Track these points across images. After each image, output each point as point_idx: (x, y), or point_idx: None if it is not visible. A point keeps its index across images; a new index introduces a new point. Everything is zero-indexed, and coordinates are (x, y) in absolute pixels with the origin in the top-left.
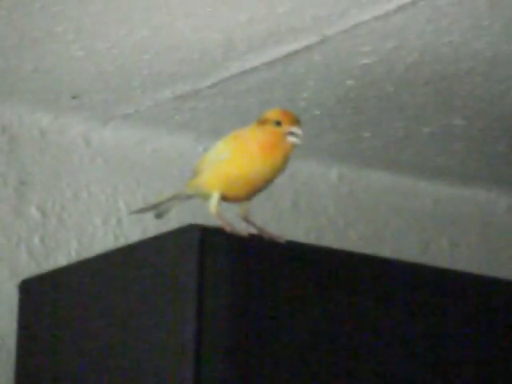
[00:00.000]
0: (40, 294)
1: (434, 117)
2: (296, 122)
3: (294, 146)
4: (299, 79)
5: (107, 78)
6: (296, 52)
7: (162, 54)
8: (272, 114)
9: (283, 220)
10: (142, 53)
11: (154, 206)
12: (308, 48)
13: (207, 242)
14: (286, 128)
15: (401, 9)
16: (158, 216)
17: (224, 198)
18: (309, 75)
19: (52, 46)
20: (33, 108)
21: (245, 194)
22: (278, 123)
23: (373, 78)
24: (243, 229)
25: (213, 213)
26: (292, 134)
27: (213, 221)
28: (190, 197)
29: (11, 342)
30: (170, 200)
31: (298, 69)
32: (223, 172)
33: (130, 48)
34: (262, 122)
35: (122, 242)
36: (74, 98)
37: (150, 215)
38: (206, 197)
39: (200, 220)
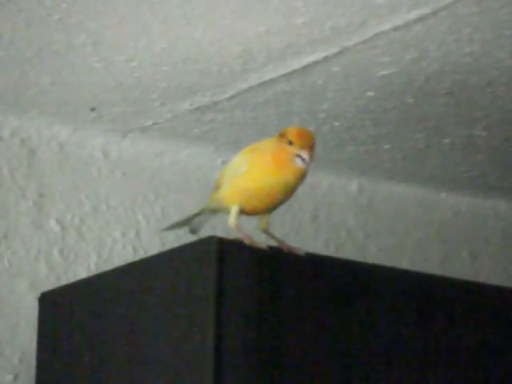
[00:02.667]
0: (60, 307)
1: (455, 128)
2: (307, 146)
3: (299, 169)
4: (318, 91)
5: (126, 90)
6: (315, 63)
7: (181, 66)
8: (289, 131)
9: (303, 232)
10: (161, 65)
11: (184, 222)
12: (327, 59)
13: (226, 255)
14: (296, 150)
15: (421, 19)
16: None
17: (243, 212)
18: (328, 87)
19: (70, 59)
20: (51, 121)
21: (263, 207)
22: (290, 143)
23: (393, 89)
24: (262, 241)
25: (232, 226)
26: (299, 156)
27: (232, 233)
28: (215, 210)
29: (31, 355)
30: (198, 215)
31: (316, 80)
32: (241, 185)
33: (149, 60)
34: (281, 136)
35: (141, 254)
36: (92, 109)
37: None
38: (226, 210)
39: (219, 232)
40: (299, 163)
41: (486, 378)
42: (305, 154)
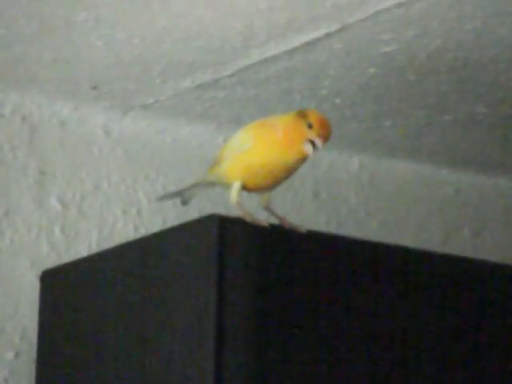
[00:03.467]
0: (61, 285)
1: (456, 105)
2: (324, 135)
3: (306, 154)
4: (320, 68)
5: (127, 67)
6: (316, 40)
7: (182, 44)
8: (312, 114)
9: (304, 209)
10: (162, 42)
11: (177, 193)
12: (328, 36)
13: (227, 232)
14: (313, 135)
15: None
16: (184, 202)
17: (245, 188)
18: (329, 64)
19: (71, 36)
20: (53, 98)
21: (266, 184)
22: (310, 126)
23: (394, 66)
24: (264, 218)
25: (233, 202)
26: (312, 143)
27: (233, 211)
28: (212, 184)
29: (33, 333)
30: (193, 187)
31: (318, 57)
32: (245, 161)
33: (150, 37)
34: (300, 115)
35: (142, 232)
36: (94, 88)
37: (169, 205)
38: (226, 186)
39: (220, 210)
40: (309, 149)
41: (486, 355)
42: (319, 143)
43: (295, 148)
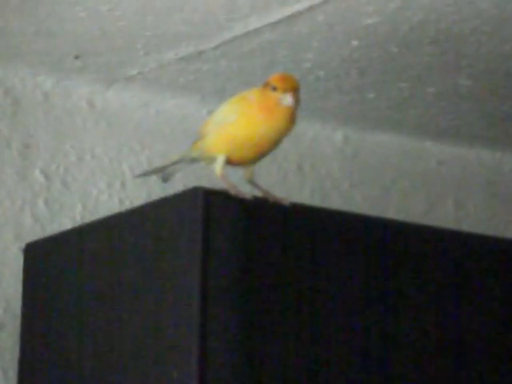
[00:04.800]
0: (44, 258)
1: (439, 77)
2: (290, 88)
3: (289, 109)
4: (303, 40)
5: (110, 39)
6: (299, 13)
7: (166, 16)
8: (271, 78)
9: (288, 182)
10: (145, 14)
11: (159, 169)
12: (311, 8)
13: (212, 205)
14: (279, 94)
15: None
16: (165, 179)
17: (229, 161)
18: (313, 36)
19: (54, 8)
20: (36, 70)
21: (250, 157)
22: (274, 88)
23: (377, 38)
24: (248, 191)
25: (218, 175)
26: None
27: (217, 184)
28: (195, 159)
29: (16, 305)
30: (175, 163)
31: (301, 30)
32: (230, 134)
33: (133, 9)
34: (265, 85)
35: (126, 205)
36: (76, 57)
37: (154, 178)
38: (211, 160)
39: (205, 183)
40: (286, 102)
41: (468, 326)
42: (289, 96)
43: (275, 114)
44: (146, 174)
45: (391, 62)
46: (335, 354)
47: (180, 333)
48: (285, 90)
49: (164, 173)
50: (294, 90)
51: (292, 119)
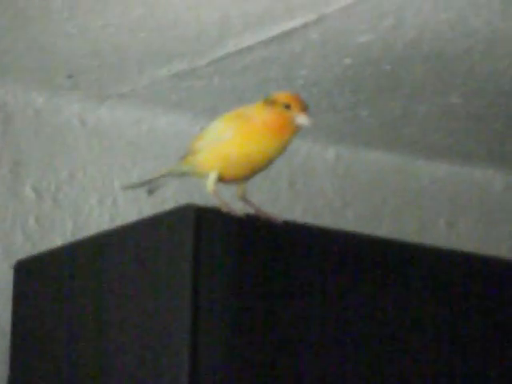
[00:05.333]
0: (35, 275)
1: (432, 95)
2: (305, 108)
3: (300, 128)
4: (296, 58)
5: (103, 56)
6: (293, 30)
7: (158, 32)
8: (282, 96)
9: (280, 200)
10: (138, 31)
11: (146, 182)
12: (305, 26)
13: (203, 222)
14: (295, 113)
15: None
16: (150, 192)
17: (222, 178)
18: (306, 54)
19: (46, 24)
20: (27, 87)
21: (244, 175)
22: (288, 106)
23: (370, 56)
24: (240, 209)
25: (210, 192)
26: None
27: (209, 201)
28: (184, 174)
29: (6, 323)
30: (163, 176)
31: (295, 47)
32: (224, 152)
33: (126, 26)
34: (270, 102)
35: (117, 222)
36: (69, 77)
37: (145, 195)
38: (202, 175)
39: (196, 200)
40: (303, 122)
41: (461, 344)
42: (305, 117)
43: (287, 132)
44: (133, 186)
45: (384, 80)
46: (326, 370)
47: (171, 350)
48: (301, 110)
49: (150, 186)
50: (308, 109)
51: (289, 137)
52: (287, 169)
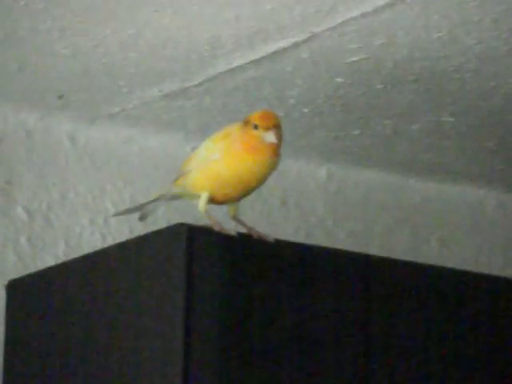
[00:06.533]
0: (27, 295)
1: (423, 114)
2: (272, 126)
3: (272, 146)
4: (287, 77)
5: (93, 76)
6: (284, 50)
7: (149, 53)
8: (252, 116)
9: (272, 218)
10: (129, 51)
11: (138, 208)
12: (296, 45)
13: (195, 241)
14: (262, 132)
15: (389, 5)
16: (142, 218)
17: (213, 200)
18: (297, 73)
19: (37, 45)
20: (18, 108)
21: (235, 195)
22: (256, 126)
23: (361, 75)
24: (232, 228)
25: (202, 211)
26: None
27: (202, 221)
28: (175, 197)
29: None
30: (155, 201)
31: (285, 67)
32: (214, 172)
33: (116, 46)
34: (245, 123)
35: (109, 241)
36: (59, 97)
37: (136, 215)
38: (194, 197)
39: (188, 219)
40: (269, 140)
41: (454, 362)
42: (271, 134)
43: (259, 152)
44: (124, 213)
45: (375, 99)
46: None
47: (163, 367)
48: (267, 129)
49: (142, 211)
50: (276, 126)
51: (276, 155)
52: (279, 187)
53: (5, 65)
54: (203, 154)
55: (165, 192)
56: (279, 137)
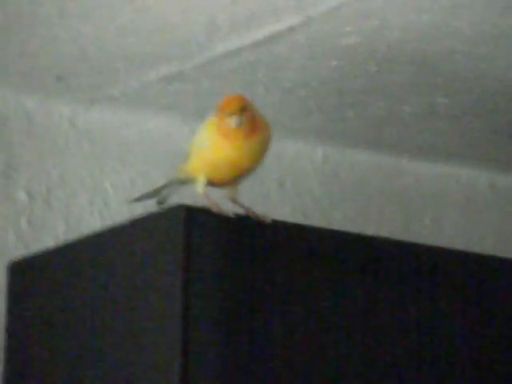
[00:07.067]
0: (28, 276)
1: (417, 95)
2: (234, 110)
3: (240, 130)
4: (283, 60)
5: (92, 60)
6: (279, 33)
7: (147, 36)
8: (219, 103)
9: (269, 200)
10: (127, 35)
11: (152, 194)
12: (291, 29)
13: (194, 222)
14: (225, 119)
15: None
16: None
17: (211, 183)
18: (292, 56)
19: (36, 29)
20: (18, 91)
21: (230, 179)
22: (223, 113)
23: (356, 58)
24: (230, 209)
25: (200, 194)
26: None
27: (200, 202)
28: (183, 182)
29: (0, 323)
30: (166, 186)
31: (281, 50)
32: (206, 159)
33: (115, 30)
34: (216, 110)
35: (108, 223)
36: (58, 79)
37: (135, 194)
38: (194, 182)
39: (187, 201)
40: (232, 125)
41: (443, 339)
42: (234, 119)
43: (232, 137)
44: (139, 199)
45: (370, 81)
46: (316, 371)
47: (162, 348)
48: (230, 114)
49: (158, 197)
50: (238, 111)
51: (254, 136)
52: (276, 169)
53: (5, 48)
54: (197, 140)
55: (172, 177)
56: (244, 120)
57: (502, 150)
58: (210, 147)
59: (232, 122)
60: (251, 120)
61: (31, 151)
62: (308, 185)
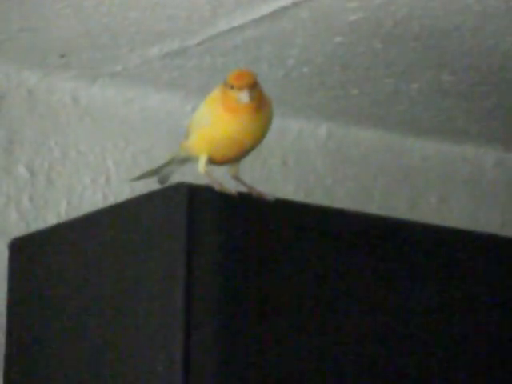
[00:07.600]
0: (30, 254)
1: (423, 73)
2: (246, 85)
3: (250, 105)
4: (287, 36)
5: (94, 36)
6: (284, 9)
7: (150, 12)
8: (228, 77)
9: (272, 178)
10: (130, 10)
11: (154, 172)
12: (296, 5)
13: (196, 200)
14: (236, 92)
15: None
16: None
17: (213, 161)
18: (297, 32)
19: (39, 5)
20: (20, 67)
21: (233, 156)
22: (232, 87)
23: (361, 34)
24: (233, 187)
25: (202, 172)
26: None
27: (202, 180)
28: (185, 159)
29: (1, 301)
30: (168, 164)
31: (285, 26)
32: (208, 136)
33: (118, 6)
34: (224, 84)
35: (110, 200)
36: (61, 57)
37: (137, 172)
38: (196, 160)
39: (189, 179)
40: (243, 100)
41: (450, 319)
42: (245, 93)
43: (239, 112)
44: (141, 178)
45: (375, 58)
46: (321, 354)
47: (164, 325)
48: (240, 88)
49: (160, 175)
50: (250, 86)
51: (259, 113)
52: (279, 147)
53: (7, 24)
54: (197, 118)
55: (174, 155)
56: (255, 96)
57: (509, 128)
58: (213, 124)
59: (244, 96)
60: (260, 96)
61: (33, 128)
62: (311, 163)
